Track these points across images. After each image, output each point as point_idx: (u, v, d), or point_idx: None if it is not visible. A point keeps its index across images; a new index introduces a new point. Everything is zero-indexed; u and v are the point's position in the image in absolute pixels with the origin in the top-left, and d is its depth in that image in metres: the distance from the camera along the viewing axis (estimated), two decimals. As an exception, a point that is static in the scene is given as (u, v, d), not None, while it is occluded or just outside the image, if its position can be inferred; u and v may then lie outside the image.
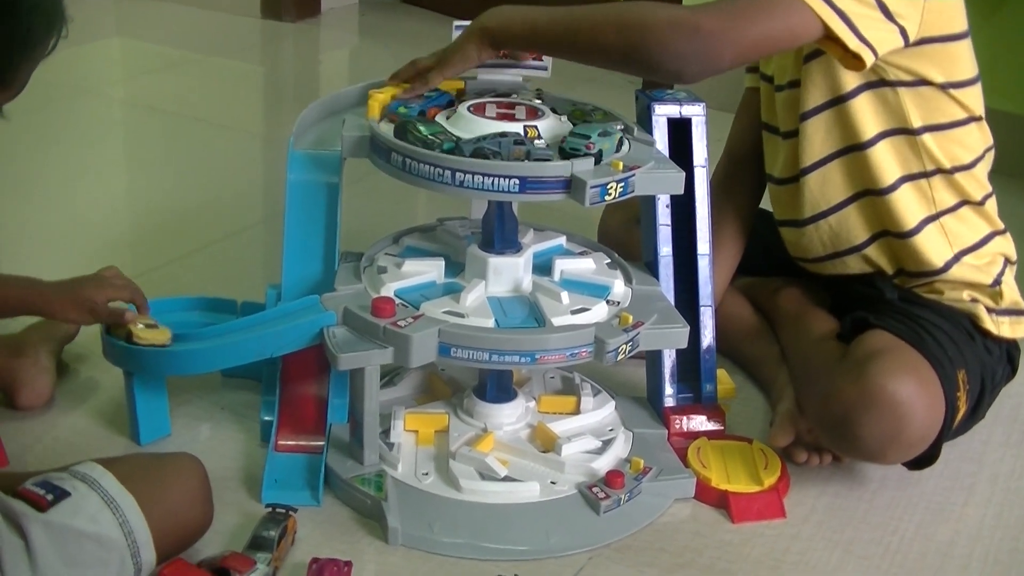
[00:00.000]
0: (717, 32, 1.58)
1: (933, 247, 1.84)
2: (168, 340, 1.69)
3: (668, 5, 1.62)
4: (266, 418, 1.76)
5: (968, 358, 1.77)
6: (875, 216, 1.86)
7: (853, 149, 1.83)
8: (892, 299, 1.86)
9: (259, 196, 2.84)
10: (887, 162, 1.81)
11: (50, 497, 1.37)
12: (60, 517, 1.35)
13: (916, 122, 1.78)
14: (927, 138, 1.79)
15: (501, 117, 1.68)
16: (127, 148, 3.20)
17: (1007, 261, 1.89)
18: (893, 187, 1.82)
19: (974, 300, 1.84)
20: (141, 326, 1.68)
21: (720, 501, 1.71)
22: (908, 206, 1.83)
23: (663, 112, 1.83)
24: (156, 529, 1.42)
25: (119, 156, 3.13)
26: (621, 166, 1.61)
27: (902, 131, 1.80)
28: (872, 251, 1.89)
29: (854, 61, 1.65)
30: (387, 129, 1.67)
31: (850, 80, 1.77)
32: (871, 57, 1.65)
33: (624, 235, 2.08)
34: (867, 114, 1.79)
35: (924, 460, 1.72)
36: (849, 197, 1.87)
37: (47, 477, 1.41)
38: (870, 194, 1.85)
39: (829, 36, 1.63)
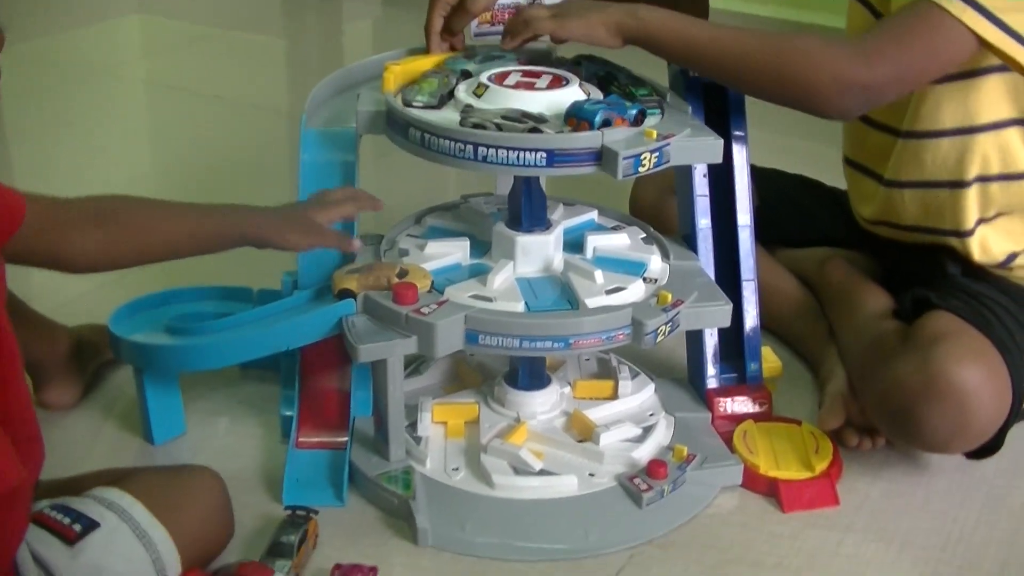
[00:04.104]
0: (880, 85, 1.59)
1: (994, 246, 1.76)
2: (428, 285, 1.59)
3: (826, 52, 1.59)
4: (286, 413, 1.70)
5: None
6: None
7: (965, 132, 1.72)
8: (954, 273, 1.78)
9: (284, 175, 2.76)
10: (982, 152, 1.71)
11: (77, 528, 1.29)
12: (92, 556, 1.28)
13: None
14: None
15: (523, 86, 1.60)
16: (147, 126, 3.19)
17: None
18: (967, 183, 1.73)
19: None
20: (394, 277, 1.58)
21: (769, 489, 1.64)
22: (969, 203, 1.74)
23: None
24: (182, 558, 1.35)
25: (139, 135, 3.11)
26: (655, 135, 1.52)
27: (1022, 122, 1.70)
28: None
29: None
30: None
31: (983, 58, 1.64)
32: None
33: (658, 208, 2.01)
34: (994, 98, 1.68)
35: (986, 450, 1.65)
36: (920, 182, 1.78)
37: (67, 502, 1.33)
38: (940, 185, 1.75)
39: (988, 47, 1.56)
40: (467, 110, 1.53)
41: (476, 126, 1.49)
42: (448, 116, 1.55)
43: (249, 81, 3.44)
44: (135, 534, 1.32)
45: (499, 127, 1.49)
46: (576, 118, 1.50)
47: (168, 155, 2.92)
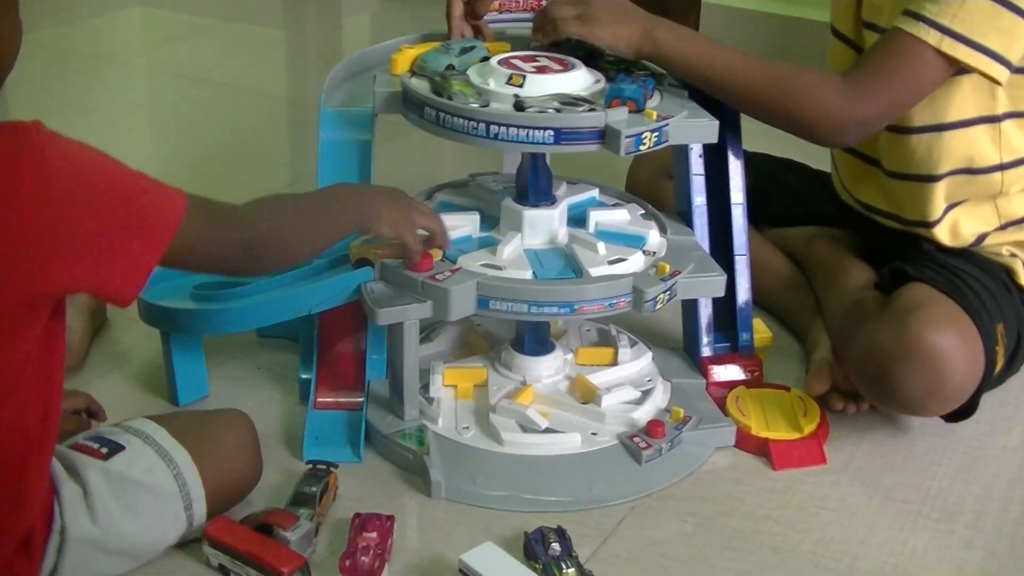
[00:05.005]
0: (874, 118, 1.71)
1: (964, 229, 1.83)
2: (440, 255, 1.65)
3: (826, 93, 1.69)
4: (304, 376, 1.76)
5: (1006, 311, 1.76)
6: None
7: (930, 129, 1.79)
8: (929, 249, 1.85)
9: (286, 159, 2.83)
10: (951, 150, 1.78)
11: (105, 450, 1.38)
12: (118, 470, 1.36)
13: (1000, 109, 1.76)
14: (1008, 125, 1.77)
15: (546, 71, 1.66)
16: (152, 116, 3.20)
17: None
18: (938, 177, 1.80)
19: (1013, 255, 1.83)
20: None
21: (760, 449, 1.71)
22: (937, 196, 1.82)
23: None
24: (208, 484, 1.43)
25: (144, 124, 3.13)
26: (655, 115, 1.60)
27: (987, 119, 1.77)
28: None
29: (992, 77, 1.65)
30: (418, 84, 1.67)
31: None
32: (1004, 73, 1.65)
33: (653, 189, 2.07)
34: (961, 98, 1.75)
35: (962, 413, 1.71)
36: (893, 172, 1.86)
37: (99, 432, 1.43)
38: (914, 178, 1.83)
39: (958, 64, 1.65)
40: (518, 99, 1.59)
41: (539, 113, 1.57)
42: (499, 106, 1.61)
43: (251, 70, 3.47)
44: (158, 454, 1.40)
45: (559, 111, 1.57)
46: (620, 99, 1.59)
47: (172, 139, 2.96)
